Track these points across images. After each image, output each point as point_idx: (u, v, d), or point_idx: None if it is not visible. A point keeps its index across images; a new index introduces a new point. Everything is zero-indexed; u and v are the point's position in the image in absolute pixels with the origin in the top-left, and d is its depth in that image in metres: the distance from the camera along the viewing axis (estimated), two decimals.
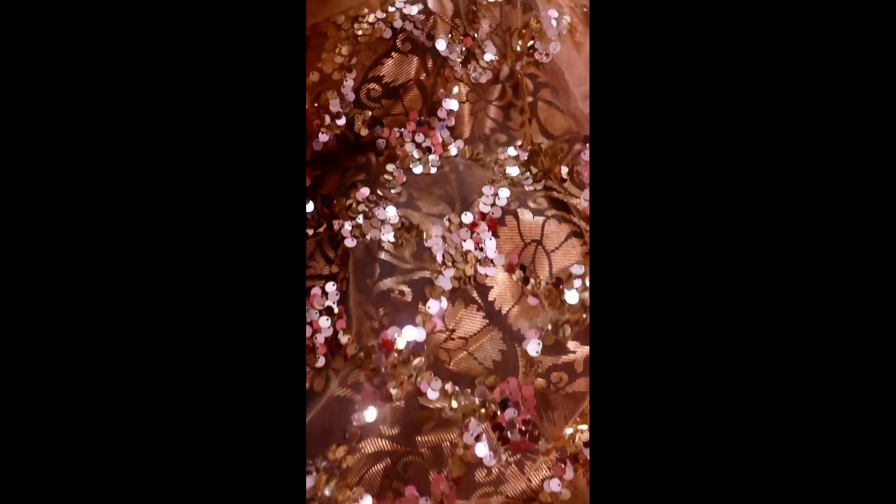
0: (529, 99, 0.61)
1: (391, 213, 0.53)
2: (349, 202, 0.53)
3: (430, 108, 0.59)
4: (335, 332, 0.50)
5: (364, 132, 0.57)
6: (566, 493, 0.46)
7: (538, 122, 0.61)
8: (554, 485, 0.46)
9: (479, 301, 0.51)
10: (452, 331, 0.50)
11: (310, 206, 0.56)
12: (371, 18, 0.56)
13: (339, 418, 0.47)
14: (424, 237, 0.51)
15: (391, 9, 0.56)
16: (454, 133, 0.60)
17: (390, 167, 0.56)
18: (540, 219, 0.51)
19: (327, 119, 0.56)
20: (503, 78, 0.62)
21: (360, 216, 0.52)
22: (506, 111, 0.62)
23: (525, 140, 0.59)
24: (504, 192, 0.52)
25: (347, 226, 0.52)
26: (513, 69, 0.59)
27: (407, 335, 0.48)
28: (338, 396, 0.48)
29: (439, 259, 0.50)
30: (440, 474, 0.46)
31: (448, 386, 0.48)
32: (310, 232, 0.56)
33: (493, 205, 0.52)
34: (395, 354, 0.47)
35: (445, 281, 0.49)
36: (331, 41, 0.57)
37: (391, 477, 0.46)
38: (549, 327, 0.49)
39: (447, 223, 0.51)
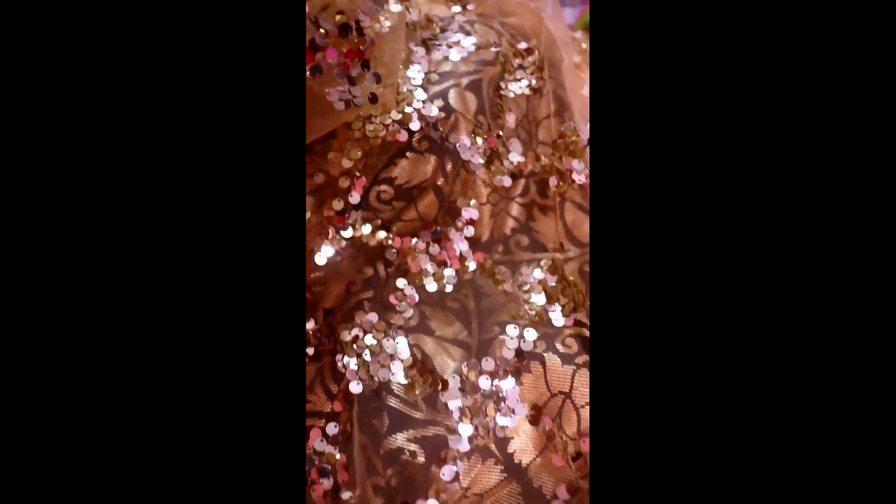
0: (557, 198, 0.55)
1: (402, 345, 0.47)
2: (354, 331, 0.48)
3: (447, 211, 0.53)
4: (336, 486, 0.45)
5: (372, 242, 0.51)
6: None
7: (564, 226, 0.55)
8: None
9: (498, 454, 0.46)
10: (467, 489, 0.45)
11: (310, 324, 0.50)
12: (385, 120, 0.49)
13: None
14: (440, 389, 0.45)
15: (408, 108, 0.49)
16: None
17: (401, 283, 0.50)
18: (570, 368, 0.46)
19: (331, 232, 0.49)
20: (527, 174, 0.55)
21: (367, 351, 0.47)
22: (528, 209, 0.57)
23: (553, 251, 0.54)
24: (531, 334, 0.46)
25: (353, 364, 0.46)
26: (544, 178, 0.53)
27: None
28: None
29: (456, 416, 0.44)
30: None
31: None
32: (309, 352, 0.50)
33: (519, 348, 0.46)
34: None
35: (462, 442, 0.44)
36: (339, 140, 0.50)
37: None
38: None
39: (465, 370, 0.46)
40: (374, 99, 0.46)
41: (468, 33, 0.56)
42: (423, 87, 0.51)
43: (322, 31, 0.42)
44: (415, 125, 0.49)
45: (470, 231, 0.52)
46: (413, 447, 0.44)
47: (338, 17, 0.43)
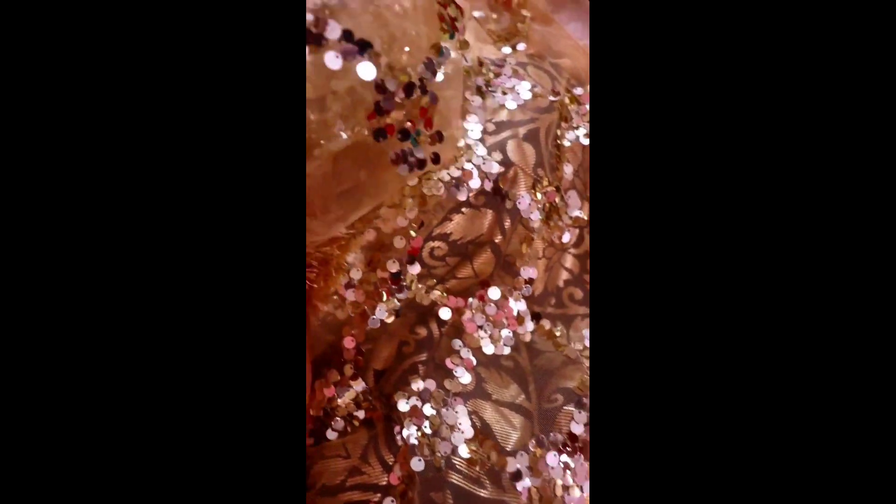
0: None
1: (462, 415, 0.45)
2: (411, 401, 0.45)
3: (503, 268, 0.51)
4: None
5: (425, 301, 0.49)
6: None
7: None
8: None
9: None
10: None
11: (360, 386, 0.48)
12: (444, 176, 0.46)
13: None
14: (507, 467, 0.43)
15: (468, 164, 0.47)
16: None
17: (457, 345, 0.48)
18: None
19: (385, 295, 0.47)
20: (582, 224, 0.53)
21: (427, 423, 0.44)
22: (582, 261, 0.54)
23: None
24: None
25: (413, 437, 0.44)
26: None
27: None
28: None
29: (524, 497, 0.42)
30: None
31: None
32: (360, 416, 0.48)
33: (587, 422, 0.44)
34: None
35: None
36: (393, 195, 0.47)
37: None
38: None
39: (532, 447, 0.44)
40: (436, 160, 0.43)
41: (522, 78, 0.53)
42: (482, 139, 0.48)
43: (388, 92, 0.39)
44: (475, 182, 0.47)
45: (528, 290, 0.50)
46: None
47: (402, 77, 0.40)
